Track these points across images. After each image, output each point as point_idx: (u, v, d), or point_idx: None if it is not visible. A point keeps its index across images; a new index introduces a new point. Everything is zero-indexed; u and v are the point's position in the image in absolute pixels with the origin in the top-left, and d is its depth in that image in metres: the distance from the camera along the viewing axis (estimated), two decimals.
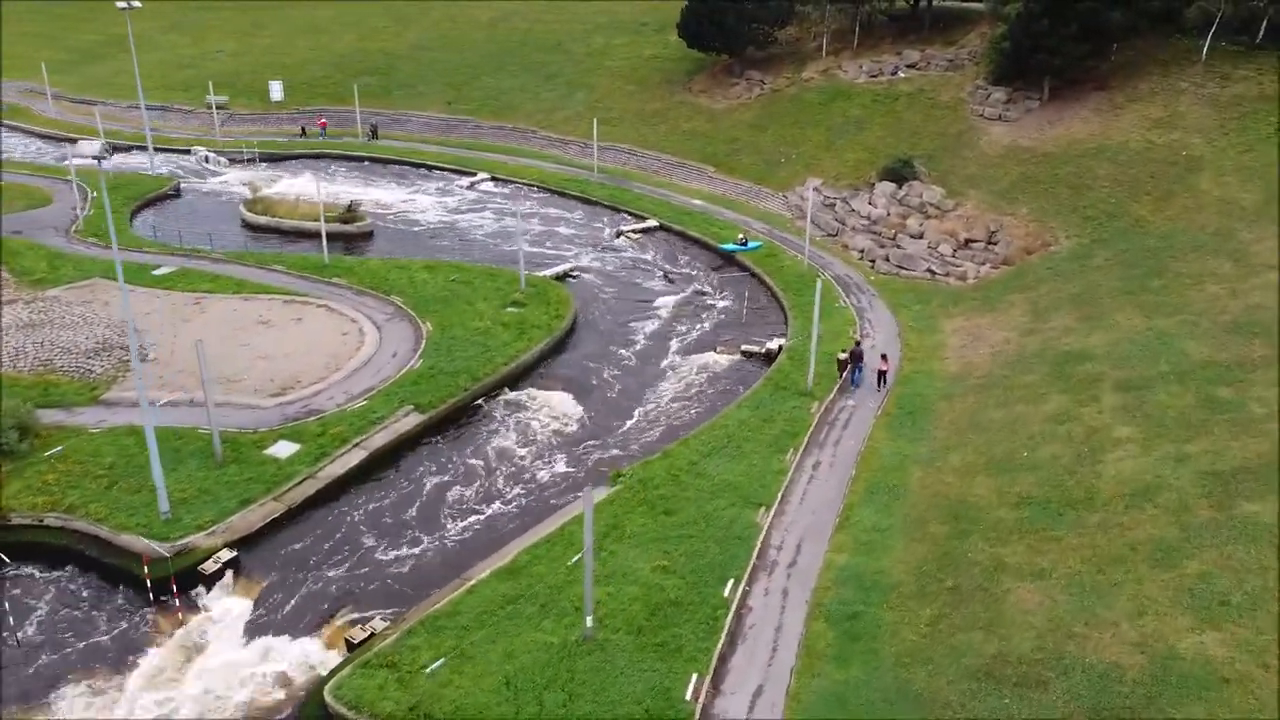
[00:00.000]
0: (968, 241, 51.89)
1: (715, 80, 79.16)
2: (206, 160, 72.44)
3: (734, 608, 25.62)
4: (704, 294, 50.92)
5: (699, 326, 46.62)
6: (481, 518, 31.10)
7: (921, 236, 53.67)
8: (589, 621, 23.96)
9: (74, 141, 75.37)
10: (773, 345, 43.21)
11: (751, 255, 54.32)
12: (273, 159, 74.94)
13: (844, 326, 44.17)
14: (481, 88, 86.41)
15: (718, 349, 43.65)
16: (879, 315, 46.25)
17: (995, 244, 51.11)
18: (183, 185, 67.30)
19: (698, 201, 64.85)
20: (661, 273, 53.39)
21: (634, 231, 59.65)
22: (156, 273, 48.72)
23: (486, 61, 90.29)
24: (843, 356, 39.80)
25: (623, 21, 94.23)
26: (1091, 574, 24.16)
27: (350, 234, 57.31)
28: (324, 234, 50.30)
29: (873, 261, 53.25)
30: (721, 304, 49.61)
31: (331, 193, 66.41)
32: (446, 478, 33.25)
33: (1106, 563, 24.42)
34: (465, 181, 69.53)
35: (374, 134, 79.50)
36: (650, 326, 46.58)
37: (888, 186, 58.96)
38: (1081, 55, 57.42)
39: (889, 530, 28.79)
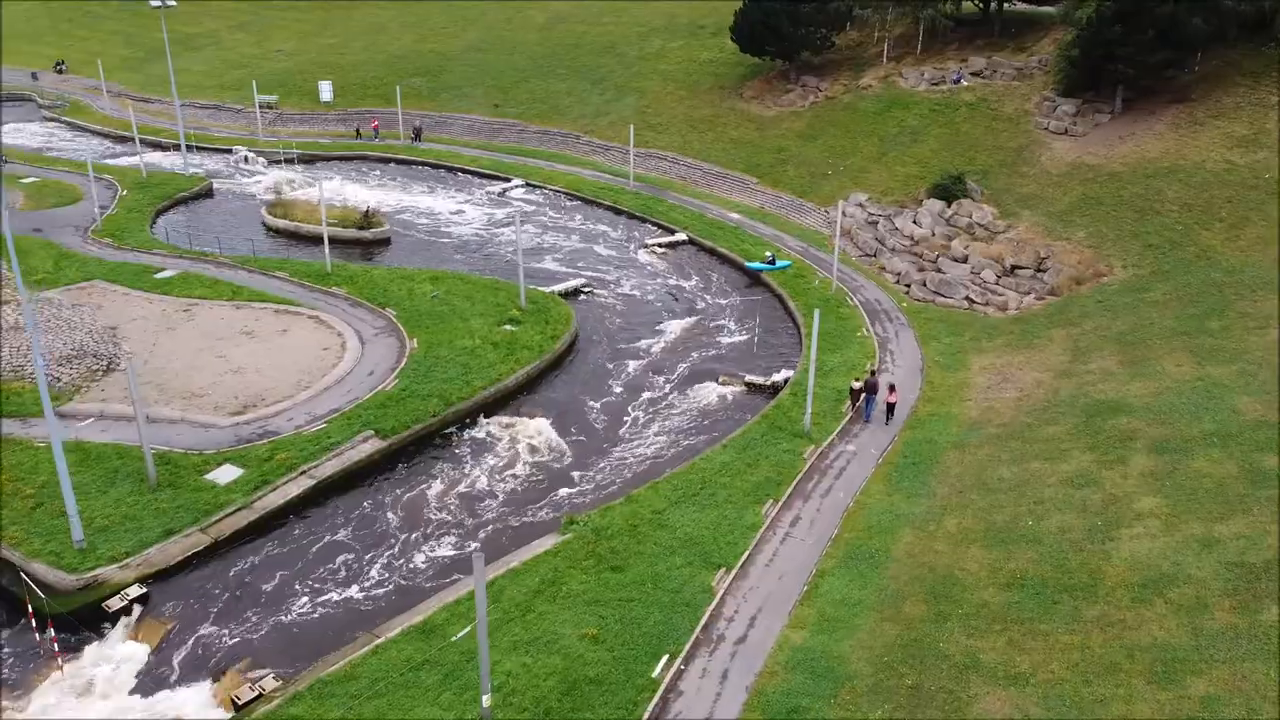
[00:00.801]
0: (1014, 268, 47.34)
1: (769, 86, 75.49)
2: (246, 160, 72.06)
3: (661, 691, 22.46)
4: (719, 316, 47.53)
5: (706, 352, 43.33)
6: (414, 565, 28.51)
7: (965, 260, 49.29)
8: (485, 701, 21.08)
9: (118, 139, 75.98)
10: (779, 377, 39.69)
11: (778, 275, 50.70)
12: (313, 160, 74.22)
13: (862, 358, 40.37)
14: (529, 91, 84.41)
15: (720, 379, 40.33)
16: (904, 347, 42.25)
17: (1044, 271, 46.47)
18: (218, 185, 66.85)
19: (735, 215, 61.41)
20: (676, 293, 50.20)
21: (659, 245, 56.55)
22: (159, 276, 47.73)
23: (536, 64, 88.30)
24: (856, 385, 36.65)
25: (680, 24, 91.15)
26: (1076, 684, 20.26)
27: (366, 240, 55.63)
28: (326, 239, 48.66)
29: (908, 286, 49.08)
30: (735, 328, 46.18)
31: (361, 197, 65.20)
32: (390, 515, 30.80)
33: (1097, 671, 20.48)
34: (497, 188, 67.42)
35: (417, 136, 78.16)
36: (655, 350, 43.50)
37: (935, 205, 54.64)
38: (1159, 64, 52.20)
39: (859, 606, 25.21)
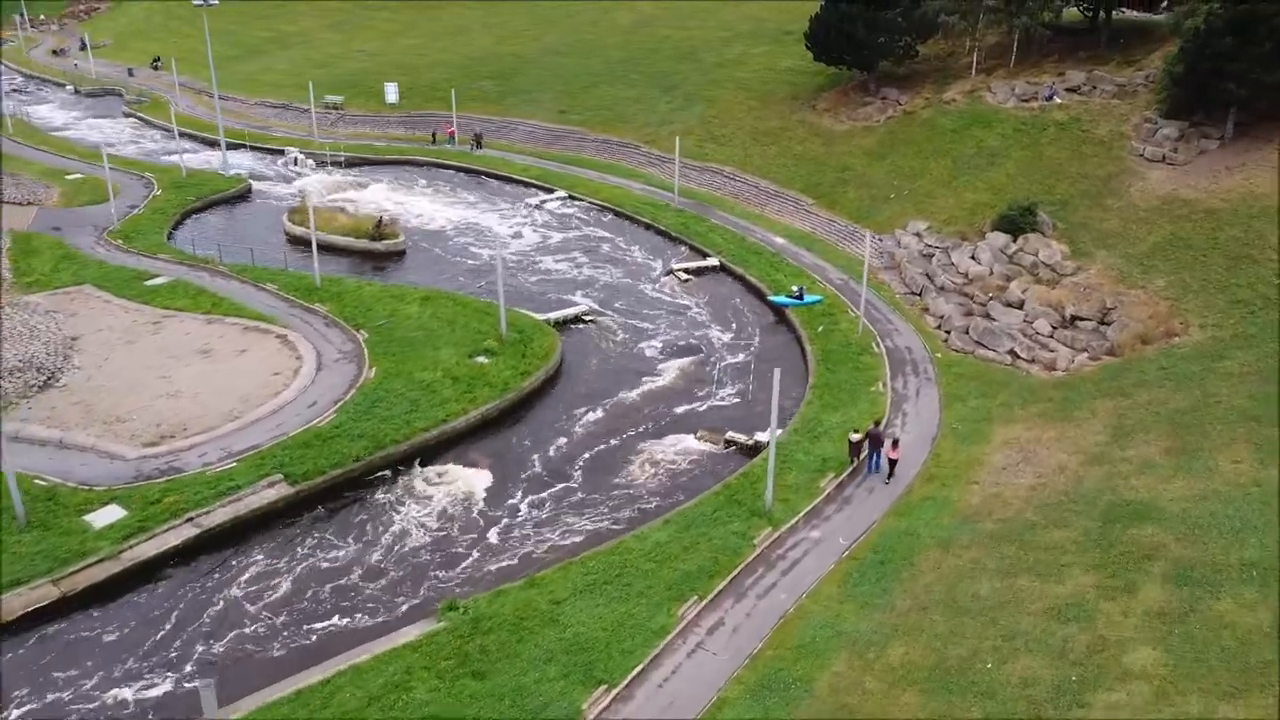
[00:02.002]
0: (1073, 319, 40.60)
1: (845, 99, 69.54)
2: (295, 162, 70.93)
3: None
4: (728, 355, 42.58)
5: (696, 402, 38.48)
6: (268, 647, 24.91)
7: (1020, 306, 42.75)
8: None
9: (184, 135, 76.31)
10: (763, 435, 34.51)
11: (803, 311, 45.27)
12: (362, 164, 72.56)
13: (865, 419, 34.69)
14: (598, 97, 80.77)
15: (698, 434, 35.45)
16: (922, 408, 36.38)
17: (1107, 324, 39.59)
18: (259, 188, 65.71)
19: (779, 239, 56.06)
20: (687, 325, 45.44)
21: (685, 270, 51.80)
22: (150, 283, 46.16)
23: (611, 69, 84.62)
24: (856, 437, 32.21)
25: (767, 29, 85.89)
26: None
27: (378, 252, 52.97)
28: (315, 249, 46.07)
29: (948, 333, 42.88)
30: (740, 373, 41.11)
31: (398, 203, 62.93)
32: (260, 582, 27.35)
33: None
34: (535, 199, 63.97)
35: (478, 143, 75.32)
36: (641, 393, 38.95)
37: (999, 239, 48.04)
38: (1277, 84, 44.29)
39: None
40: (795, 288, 46.57)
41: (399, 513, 30.53)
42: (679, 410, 37.63)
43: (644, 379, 40.08)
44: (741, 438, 34.78)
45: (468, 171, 71.55)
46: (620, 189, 65.71)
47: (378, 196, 63.67)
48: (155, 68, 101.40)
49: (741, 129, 70.81)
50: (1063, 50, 64.17)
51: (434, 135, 78.59)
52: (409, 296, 45.26)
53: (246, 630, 25.21)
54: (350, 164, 71.74)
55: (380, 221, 53.38)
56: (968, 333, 42.19)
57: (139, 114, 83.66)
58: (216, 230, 56.72)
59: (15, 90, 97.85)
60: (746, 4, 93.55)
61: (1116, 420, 32.17)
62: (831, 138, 66.00)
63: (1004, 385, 37.44)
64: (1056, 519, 26.86)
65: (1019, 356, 39.65)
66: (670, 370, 40.94)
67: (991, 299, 44.19)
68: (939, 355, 41.00)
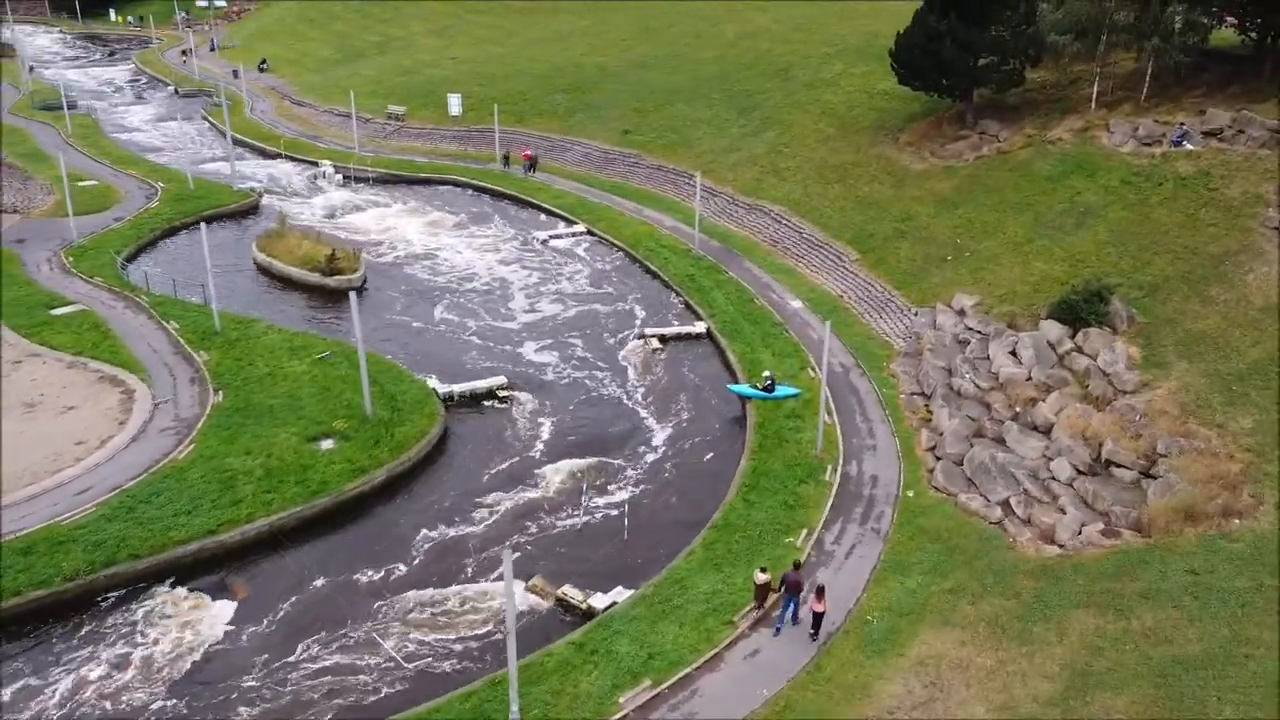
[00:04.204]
0: (1108, 463, 29.13)
1: (934, 131, 58.07)
2: (324, 176, 66.56)
3: None
4: (648, 460, 33.67)
5: (564, 522, 29.85)
6: None
7: (1047, 431, 31.53)
8: None
9: (240, 143, 74.08)
10: (600, 601, 25.60)
11: (771, 407, 35.52)
12: (395, 181, 67.29)
13: (744, 590, 25.09)
14: (668, 116, 72.34)
15: (530, 582, 26.86)
16: (843, 580, 26.19)
17: (1152, 478, 27.94)
18: (276, 202, 61.51)
19: (796, 303, 46.09)
20: (621, 415, 36.70)
21: (659, 336, 42.86)
22: (56, 311, 42.06)
23: (695, 85, 75.92)
24: (763, 578, 24.46)
25: (876, 46, 74.32)
26: None
27: (330, 289, 46.95)
28: (212, 292, 40.29)
29: (938, 460, 32.07)
30: (646, 489, 32.11)
31: (389, 229, 57.04)
32: None
33: None
34: (543, 234, 56.40)
35: (532, 166, 68.08)
36: (508, 506, 30.73)
37: (1052, 330, 36.57)
38: None
39: None
40: (766, 374, 36.80)
41: (101, 657, 23.80)
42: (537, 537, 29.14)
43: (521, 487, 31.79)
44: (576, 597, 25.97)
45: (497, 195, 64.92)
46: (648, 226, 57.18)
47: (370, 222, 57.95)
48: (261, 69, 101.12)
49: (808, 162, 60.68)
50: (1213, 82, 50.46)
51: (506, 157, 70.21)
52: (310, 349, 38.90)
53: None
54: (381, 181, 66.66)
55: (333, 254, 47.36)
56: (961, 465, 31.35)
57: (210, 118, 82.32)
58: (188, 250, 52.32)
59: (117, 90, 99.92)
60: (863, 19, 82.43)
61: (1088, 656, 21.22)
62: (904, 178, 54.92)
63: (970, 560, 26.61)
64: None
65: (1012, 513, 28.60)
66: (562, 472, 32.46)
67: (1016, 415, 33.04)
68: (910, 494, 30.41)
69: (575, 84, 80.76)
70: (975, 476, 30.47)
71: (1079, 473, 29.27)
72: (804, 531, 28.15)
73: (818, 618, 23.79)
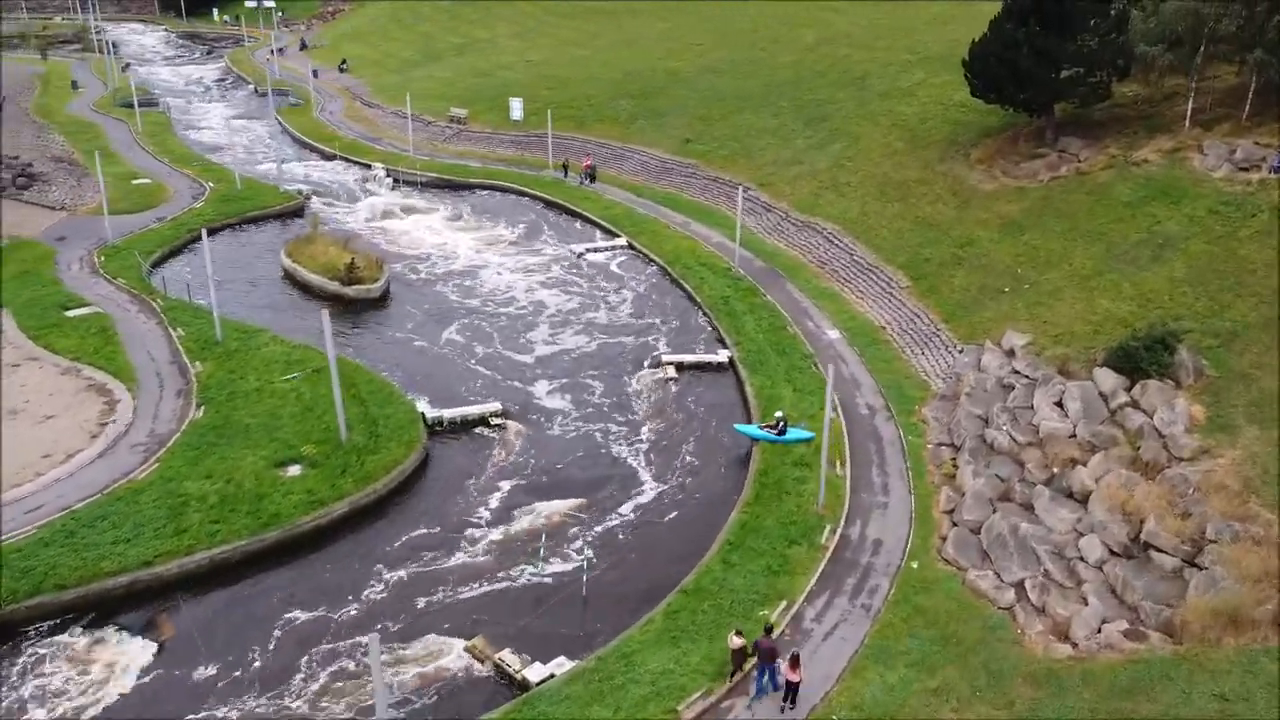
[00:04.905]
0: (1147, 546, 25.02)
1: (1009, 148, 53.44)
2: (375, 179, 65.69)
3: None
4: (633, 504, 30.96)
5: (516, 580, 27.35)
6: None
7: (1083, 501, 27.52)
8: None
9: (303, 144, 74.08)
10: (532, 672, 22.97)
11: (775, 453, 32.30)
12: (444, 186, 65.89)
13: (701, 674, 22.14)
14: (732, 125, 69.13)
15: (468, 643, 24.43)
16: (817, 669, 22.85)
17: (1196, 567, 23.76)
18: (323, 206, 60.83)
19: (833, 333, 42.56)
20: (617, 455, 33.93)
21: (674, 365, 39.93)
22: (70, 313, 41.76)
23: (765, 92, 72.49)
24: (738, 642, 22.12)
25: (960, 54, 69.85)
26: None
27: (348, 298, 45.58)
28: (214, 301, 39.21)
29: (953, 526, 28.33)
30: (624, 541, 29.35)
31: (432, 232, 55.67)
32: None
33: None
34: (580, 247, 53.99)
35: (591, 177, 65.78)
36: (461, 555, 28.40)
37: (1106, 379, 32.35)
38: None
39: None
40: (778, 415, 33.56)
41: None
42: (491, 592, 26.72)
43: (489, 529, 29.43)
44: (514, 665, 23.41)
45: (546, 204, 62.86)
46: (691, 241, 54.23)
47: (412, 225, 56.64)
48: (341, 69, 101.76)
49: (871, 177, 56.76)
50: None
51: (565, 166, 67.55)
52: (306, 364, 37.44)
53: None
54: (431, 185, 65.42)
55: (352, 263, 45.94)
56: (978, 534, 27.60)
57: (280, 119, 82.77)
58: (224, 252, 51.69)
59: (207, 89, 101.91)
60: (952, 24, 77.58)
61: None
62: (970, 198, 50.62)
63: (965, 653, 22.98)
64: None
65: (1025, 598, 24.79)
66: (534, 518, 29.96)
67: (1050, 479, 29.07)
68: (914, 566, 26.82)
69: (642, 89, 78.22)
70: (991, 550, 26.71)
71: (1111, 553, 25.25)
72: (782, 604, 24.94)
73: (793, 686, 21.40)
